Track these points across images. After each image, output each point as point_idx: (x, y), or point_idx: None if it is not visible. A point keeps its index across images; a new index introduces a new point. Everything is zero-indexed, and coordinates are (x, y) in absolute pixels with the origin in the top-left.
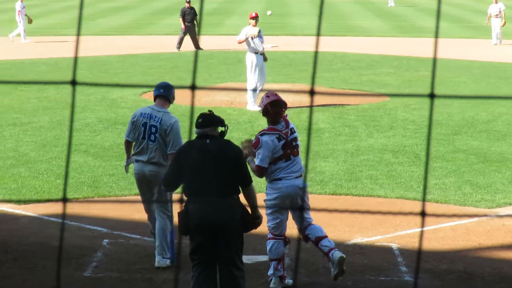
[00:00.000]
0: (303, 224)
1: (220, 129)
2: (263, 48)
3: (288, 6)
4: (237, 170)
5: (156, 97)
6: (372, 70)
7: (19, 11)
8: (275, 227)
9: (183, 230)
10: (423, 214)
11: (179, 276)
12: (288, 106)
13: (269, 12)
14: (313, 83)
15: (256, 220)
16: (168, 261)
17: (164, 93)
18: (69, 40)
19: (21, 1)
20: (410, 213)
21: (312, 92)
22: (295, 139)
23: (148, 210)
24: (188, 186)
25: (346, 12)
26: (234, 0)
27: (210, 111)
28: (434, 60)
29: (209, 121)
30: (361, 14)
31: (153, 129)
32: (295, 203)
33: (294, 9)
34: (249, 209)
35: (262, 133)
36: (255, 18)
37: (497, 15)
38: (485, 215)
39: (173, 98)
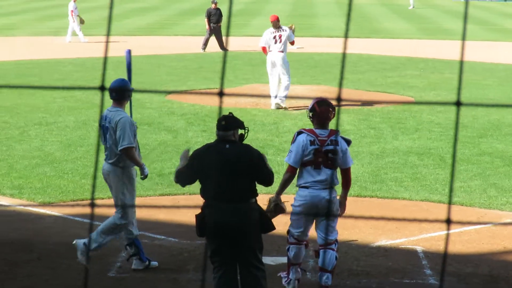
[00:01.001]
0: (323, 239)
1: (240, 131)
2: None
3: (314, 7)
4: (258, 174)
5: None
6: (397, 72)
7: (72, 11)
8: (298, 234)
9: (200, 232)
10: (448, 221)
11: (205, 276)
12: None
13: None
14: (340, 90)
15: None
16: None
17: (117, 96)
18: (95, 41)
19: (74, 1)
20: (436, 220)
21: (339, 99)
22: (334, 152)
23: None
24: (206, 190)
25: (372, 14)
26: (259, 0)
27: (230, 113)
28: (460, 70)
29: (232, 124)
30: (387, 16)
31: (106, 130)
32: (320, 214)
33: (320, 10)
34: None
35: (300, 131)
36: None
37: None
38: (510, 218)
39: (129, 96)
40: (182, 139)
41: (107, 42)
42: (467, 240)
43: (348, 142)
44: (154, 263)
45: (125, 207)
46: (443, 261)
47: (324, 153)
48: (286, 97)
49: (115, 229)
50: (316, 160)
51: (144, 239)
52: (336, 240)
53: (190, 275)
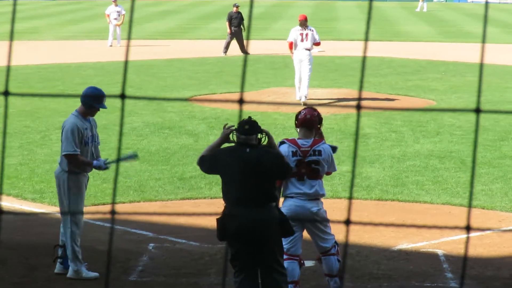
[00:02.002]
0: (320, 247)
1: (259, 136)
2: None
3: (335, 10)
4: (279, 172)
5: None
6: (418, 76)
7: (108, 15)
8: (289, 245)
9: (220, 236)
10: (468, 228)
11: (225, 281)
12: (333, 111)
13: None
14: (360, 96)
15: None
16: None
17: (82, 101)
18: (116, 44)
19: (115, 5)
20: (456, 227)
21: (358, 107)
22: (317, 162)
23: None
24: (227, 194)
25: (393, 17)
26: (281, 4)
27: (250, 117)
28: (480, 77)
29: (255, 129)
30: (408, 19)
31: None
32: (307, 225)
33: (341, 14)
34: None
35: (283, 141)
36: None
37: None
38: None
39: (94, 108)
40: (203, 143)
41: (127, 46)
42: (489, 244)
43: (334, 149)
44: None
45: (65, 214)
46: (463, 265)
47: (307, 164)
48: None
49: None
50: (299, 172)
51: (166, 243)
52: (336, 243)
53: (211, 279)
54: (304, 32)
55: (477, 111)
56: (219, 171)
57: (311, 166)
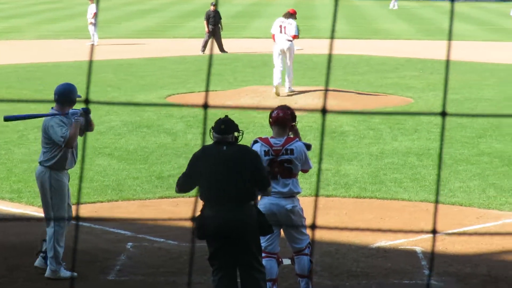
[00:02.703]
0: (293, 247)
1: (236, 134)
2: None
3: (314, 9)
4: (255, 175)
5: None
6: (396, 73)
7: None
8: (266, 243)
9: (200, 235)
10: (434, 232)
11: (201, 279)
12: (310, 109)
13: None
14: (325, 102)
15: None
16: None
17: (59, 99)
18: (97, 44)
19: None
20: (421, 231)
21: (324, 111)
22: (289, 161)
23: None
24: (205, 192)
25: (371, 15)
26: (259, 3)
27: (226, 116)
28: (446, 79)
29: (231, 128)
30: (386, 17)
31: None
32: (282, 222)
33: (320, 12)
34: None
35: (256, 140)
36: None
37: None
38: (509, 218)
39: (72, 102)
40: (181, 141)
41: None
42: (466, 241)
43: (308, 147)
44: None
45: (48, 213)
46: (430, 264)
47: (280, 163)
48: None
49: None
50: (273, 171)
51: (144, 242)
52: (309, 244)
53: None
54: (283, 24)
55: (443, 114)
56: (197, 172)
57: (284, 165)
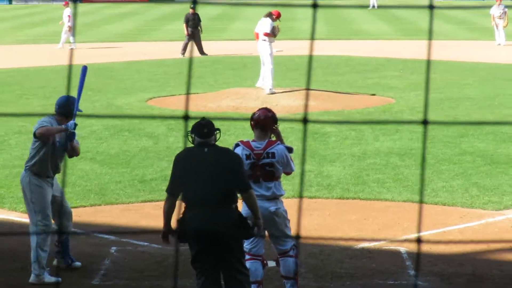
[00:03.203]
0: (278, 249)
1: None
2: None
3: (293, 10)
4: (236, 177)
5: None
6: (377, 73)
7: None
8: (250, 246)
9: (181, 238)
10: (419, 241)
11: (187, 283)
12: (293, 110)
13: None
14: (305, 114)
15: (256, 226)
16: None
17: (62, 112)
18: (76, 47)
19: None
20: (406, 240)
21: (305, 121)
22: (271, 164)
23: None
24: (186, 194)
25: (351, 16)
26: (237, 6)
27: (204, 118)
28: (427, 87)
29: (213, 130)
30: (366, 17)
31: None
32: (266, 224)
33: (299, 14)
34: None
35: (237, 144)
36: (278, 17)
37: (500, 16)
38: (493, 217)
39: (70, 115)
40: (163, 144)
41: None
42: (451, 240)
43: (290, 150)
44: (77, 264)
45: (31, 218)
46: (417, 257)
47: (261, 167)
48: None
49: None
50: (254, 174)
51: (128, 246)
52: (294, 246)
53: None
54: (260, 23)
55: (425, 122)
56: (179, 174)
57: (265, 168)
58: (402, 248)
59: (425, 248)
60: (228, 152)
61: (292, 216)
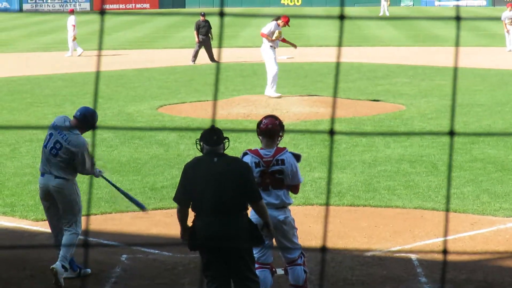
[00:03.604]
0: (286, 257)
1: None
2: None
3: (304, 17)
4: (245, 187)
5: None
6: (388, 80)
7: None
8: (259, 255)
9: (191, 246)
10: (445, 252)
11: None
12: (303, 117)
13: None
14: (332, 123)
15: (268, 235)
16: (64, 273)
17: (82, 120)
18: (85, 55)
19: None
20: (432, 251)
21: (332, 132)
22: (280, 171)
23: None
24: (195, 204)
25: (362, 22)
26: (248, 12)
27: (213, 126)
28: (453, 98)
29: (222, 138)
30: (377, 24)
31: (58, 145)
32: (274, 234)
33: (309, 20)
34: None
35: (245, 152)
36: (287, 23)
37: (511, 22)
38: (504, 223)
39: (87, 128)
40: (174, 152)
41: (99, 55)
42: (462, 247)
43: (298, 157)
44: (87, 270)
45: (77, 216)
46: (442, 275)
47: (271, 174)
48: (274, 87)
49: (73, 245)
50: (264, 182)
51: (139, 254)
52: (302, 254)
53: None
54: None
55: (451, 133)
56: (189, 183)
57: (275, 176)
58: (413, 255)
59: (436, 255)
60: (238, 162)
61: (302, 224)
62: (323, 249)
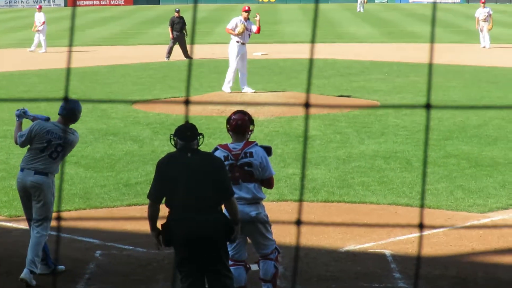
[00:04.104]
0: (259, 252)
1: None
2: (248, 39)
3: (278, 13)
4: (218, 184)
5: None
6: (362, 77)
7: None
8: (233, 252)
9: (166, 243)
10: (421, 226)
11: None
12: (278, 114)
13: (257, 17)
14: (308, 94)
15: (235, 233)
16: (37, 272)
17: (67, 115)
18: (59, 51)
19: (38, 11)
20: (408, 225)
21: (307, 105)
22: (249, 164)
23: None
24: (170, 200)
25: (335, 18)
26: (223, 8)
27: (187, 121)
28: (430, 69)
29: (196, 134)
30: (350, 20)
31: (59, 148)
32: (247, 229)
33: (284, 17)
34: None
35: (216, 148)
36: (248, 11)
37: (485, 18)
38: (477, 219)
39: (75, 120)
40: (148, 148)
41: (69, 52)
42: (435, 243)
43: (269, 150)
44: (61, 267)
45: (48, 218)
46: (417, 266)
47: (240, 167)
48: (231, 83)
49: (40, 245)
50: (234, 175)
51: (113, 250)
52: (276, 249)
53: (159, 286)
54: None
55: (428, 106)
56: (163, 179)
57: (244, 168)
58: (387, 251)
59: (410, 251)
60: (211, 158)
61: (276, 220)
62: (298, 223)
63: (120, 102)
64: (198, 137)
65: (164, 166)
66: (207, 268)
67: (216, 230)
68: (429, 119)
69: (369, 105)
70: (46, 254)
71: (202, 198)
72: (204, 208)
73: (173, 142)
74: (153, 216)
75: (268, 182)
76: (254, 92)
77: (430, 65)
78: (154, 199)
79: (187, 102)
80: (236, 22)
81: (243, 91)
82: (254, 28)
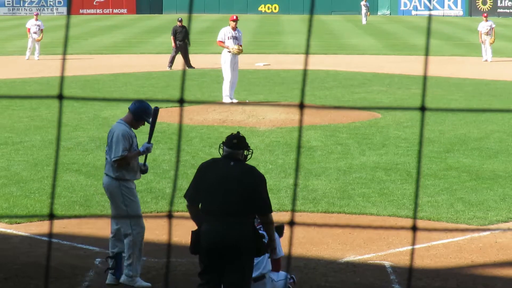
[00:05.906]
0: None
1: (246, 152)
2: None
3: (280, 24)
4: (255, 197)
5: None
6: (364, 88)
7: (29, 29)
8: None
9: (193, 250)
10: (414, 228)
11: None
12: (279, 124)
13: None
14: (302, 96)
15: (269, 250)
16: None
17: (130, 107)
18: (61, 59)
19: (36, 19)
20: (402, 228)
21: (301, 106)
22: None
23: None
24: (205, 205)
25: (338, 30)
26: (226, 19)
27: (238, 132)
28: (425, 74)
29: (243, 144)
30: (353, 32)
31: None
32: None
33: (286, 28)
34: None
35: None
36: (236, 21)
37: (487, 32)
38: (478, 232)
39: (142, 120)
40: (149, 157)
41: (64, 55)
42: (435, 255)
43: (280, 228)
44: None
45: (126, 218)
46: (409, 273)
47: None
48: (230, 93)
49: (135, 243)
50: None
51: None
52: (293, 277)
53: None
54: None
55: (422, 109)
56: (201, 181)
57: None
58: (387, 262)
59: (410, 262)
60: (252, 170)
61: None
62: (291, 223)
63: (119, 101)
64: (247, 151)
65: (204, 169)
66: (225, 279)
67: (242, 240)
68: (423, 121)
69: (367, 119)
70: (117, 266)
71: (234, 208)
72: (235, 218)
73: (221, 151)
74: (193, 218)
75: (275, 263)
76: (231, 103)
77: (425, 66)
78: (188, 199)
79: (181, 102)
80: (224, 32)
81: (223, 100)
82: (241, 39)
